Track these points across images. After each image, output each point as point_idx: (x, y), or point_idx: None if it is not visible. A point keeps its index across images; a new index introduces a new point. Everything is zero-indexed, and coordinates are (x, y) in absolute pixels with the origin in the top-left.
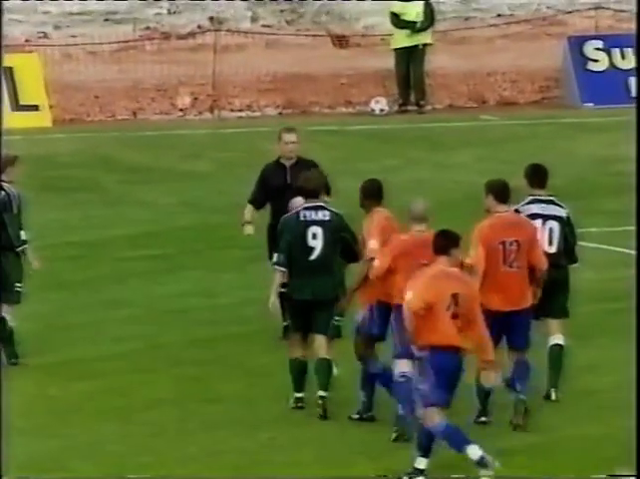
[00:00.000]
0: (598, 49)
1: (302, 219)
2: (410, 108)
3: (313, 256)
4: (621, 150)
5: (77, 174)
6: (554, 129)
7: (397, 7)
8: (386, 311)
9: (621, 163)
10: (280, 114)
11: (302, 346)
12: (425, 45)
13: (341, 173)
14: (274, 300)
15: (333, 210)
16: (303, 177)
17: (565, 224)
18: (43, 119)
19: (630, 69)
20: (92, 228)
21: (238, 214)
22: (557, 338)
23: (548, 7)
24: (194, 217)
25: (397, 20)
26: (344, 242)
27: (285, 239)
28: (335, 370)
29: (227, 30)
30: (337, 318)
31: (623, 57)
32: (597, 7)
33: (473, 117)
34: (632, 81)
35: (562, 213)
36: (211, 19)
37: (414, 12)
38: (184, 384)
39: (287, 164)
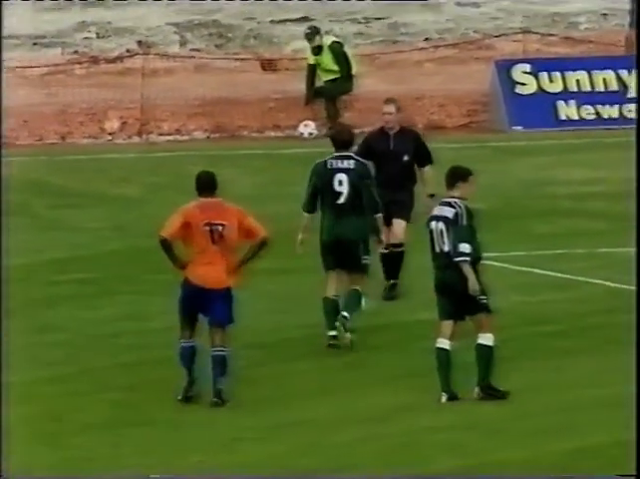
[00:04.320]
0: (526, 73)
1: (329, 167)
2: None
3: (341, 201)
4: (550, 173)
5: (7, 198)
6: (483, 152)
7: (311, 60)
8: None
9: (550, 186)
10: (209, 138)
11: (335, 285)
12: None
13: (270, 197)
14: (300, 239)
15: (359, 159)
16: (336, 129)
17: (451, 223)
18: None
19: (558, 92)
20: (23, 252)
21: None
22: (482, 337)
23: (476, 31)
24: (124, 241)
25: (315, 72)
26: (367, 190)
27: (312, 183)
28: (364, 302)
29: (156, 54)
30: (365, 257)
31: (551, 80)
32: (525, 31)
33: None
34: (560, 104)
35: (449, 213)
36: (140, 43)
37: (327, 60)
38: (115, 409)
39: (390, 132)
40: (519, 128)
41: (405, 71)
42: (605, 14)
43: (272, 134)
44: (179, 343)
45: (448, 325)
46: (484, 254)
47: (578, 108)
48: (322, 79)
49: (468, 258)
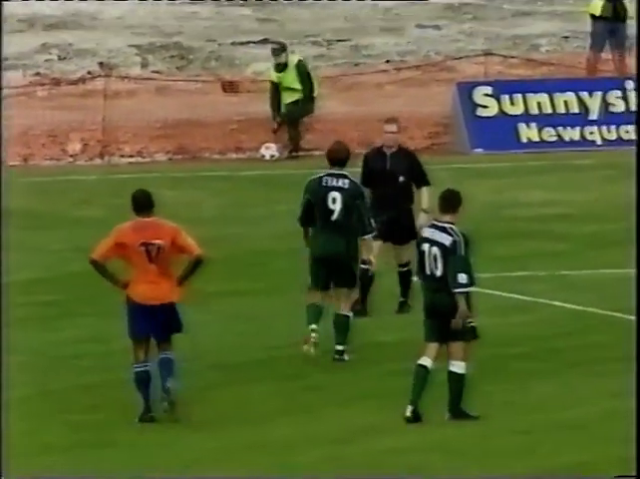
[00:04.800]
0: (487, 95)
1: (324, 184)
2: (301, 153)
3: (333, 218)
4: (512, 195)
5: None
6: (444, 175)
7: (274, 77)
8: None
9: (512, 208)
10: (170, 159)
11: (319, 299)
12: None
13: (231, 219)
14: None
15: (353, 179)
16: (332, 147)
17: (448, 251)
18: None
19: (519, 114)
20: None
21: None
22: (453, 365)
23: (437, 53)
24: (86, 263)
25: (279, 90)
26: (357, 210)
27: (306, 199)
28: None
29: (117, 76)
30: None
31: (512, 103)
32: (486, 53)
33: None
34: (521, 127)
35: (446, 240)
36: (101, 65)
37: (291, 78)
38: (77, 430)
39: (388, 152)
40: (481, 150)
41: (366, 93)
42: (566, 36)
43: (234, 156)
44: (133, 368)
45: (433, 348)
46: None
47: (540, 130)
48: (284, 100)
49: (465, 290)
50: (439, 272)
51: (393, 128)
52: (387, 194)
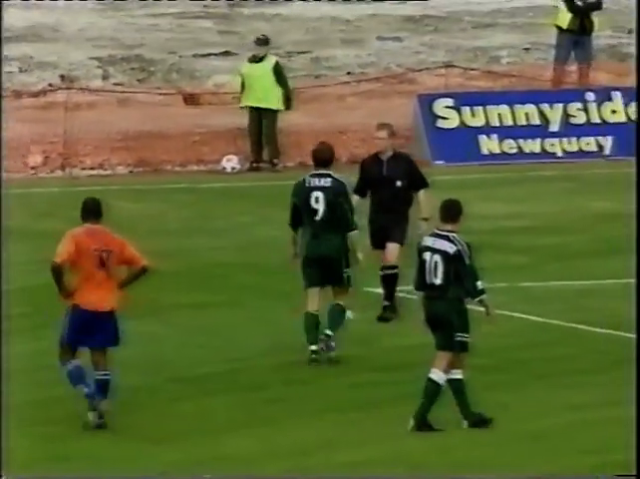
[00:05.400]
0: (448, 107)
1: (307, 185)
2: (262, 166)
3: (318, 218)
4: (472, 207)
5: None
6: None
7: (245, 67)
8: None
9: (472, 220)
10: (132, 172)
11: (316, 301)
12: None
13: (194, 231)
14: (291, 254)
15: (337, 177)
16: (316, 148)
17: (451, 259)
18: None
19: (480, 126)
20: None
21: None
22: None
23: (398, 65)
24: (49, 275)
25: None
26: (341, 207)
27: (292, 201)
28: (348, 314)
29: (79, 88)
30: (346, 270)
31: (473, 115)
32: (447, 65)
33: None
34: (482, 139)
35: (450, 249)
36: (62, 77)
37: (260, 71)
38: (36, 443)
39: (384, 157)
40: (442, 162)
41: (328, 105)
42: (527, 48)
43: (195, 168)
44: (65, 366)
45: (442, 356)
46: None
47: (500, 142)
48: (247, 97)
49: (486, 295)
50: (438, 281)
51: (383, 134)
52: (384, 199)
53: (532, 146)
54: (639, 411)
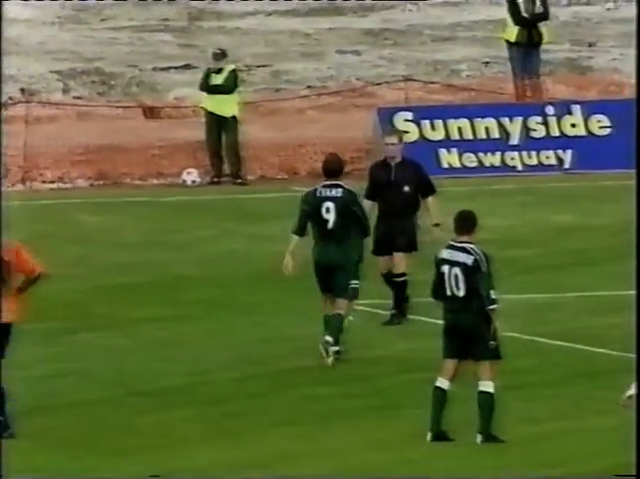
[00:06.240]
0: (408, 120)
1: (318, 195)
2: (223, 179)
3: (328, 228)
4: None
5: None
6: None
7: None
8: None
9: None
10: (92, 185)
11: (329, 304)
12: (234, 117)
13: (154, 245)
14: (287, 262)
15: (347, 187)
16: (326, 159)
17: (470, 270)
18: None
19: (440, 140)
20: None
21: (48, 285)
22: (483, 385)
23: (358, 79)
24: None
25: (205, 84)
26: (354, 216)
27: (302, 209)
28: (350, 317)
29: (39, 101)
30: (354, 282)
31: (433, 128)
32: (407, 79)
33: (284, 188)
34: (442, 152)
35: (468, 260)
36: (22, 90)
37: (220, 79)
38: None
39: (392, 163)
40: None
41: (287, 118)
42: (487, 62)
43: (155, 181)
44: None
45: (451, 366)
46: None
47: (460, 156)
48: (210, 103)
49: (497, 305)
50: (461, 293)
51: (393, 139)
52: (393, 205)
53: (492, 159)
54: (639, 414)
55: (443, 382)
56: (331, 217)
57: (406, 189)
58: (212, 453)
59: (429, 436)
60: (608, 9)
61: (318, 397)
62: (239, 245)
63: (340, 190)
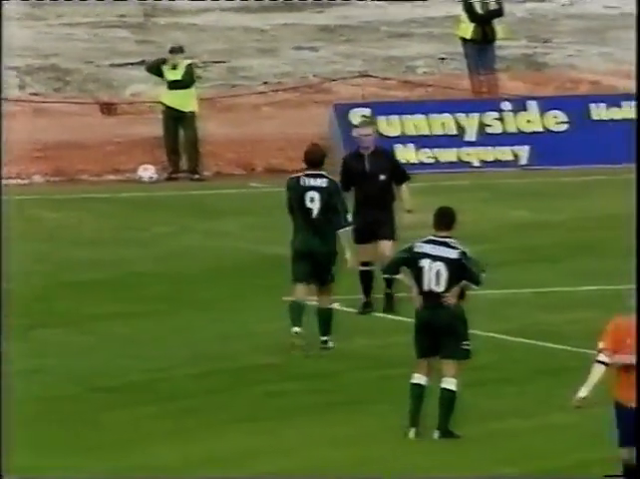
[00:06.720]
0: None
1: (302, 184)
2: (180, 175)
3: (312, 216)
4: None
5: None
6: None
7: (165, 72)
8: None
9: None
10: (48, 181)
11: (302, 295)
12: (192, 112)
13: (111, 241)
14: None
15: (330, 177)
16: (308, 149)
17: (454, 265)
18: None
19: (396, 136)
20: None
21: (15, 282)
22: (446, 381)
23: (314, 75)
24: None
25: (157, 67)
26: (336, 206)
27: (288, 196)
28: (336, 305)
29: None
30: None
31: (389, 124)
32: (363, 75)
33: (241, 184)
34: (398, 148)
35: (452, 254)
36: None
37: (178, 74)
38: None
39: (365, 153)
40: None
41: (244, 114)
42: (443, 58)
43: (112, 177)
44: None
45: (424, 364)
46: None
47: (416, 152)
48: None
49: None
50: (440, 288)
51: (368, 130)
52: (370, 194)
53: (448, 155)
54: (639, 413)
55: (420, 378)
56: (315, 206)
57: (382, 177)
58: (171, 450)
59: (412, 433)
60: (563, 5)
61: (280, 393)
62: (197, 242)
63: (325, 180)
